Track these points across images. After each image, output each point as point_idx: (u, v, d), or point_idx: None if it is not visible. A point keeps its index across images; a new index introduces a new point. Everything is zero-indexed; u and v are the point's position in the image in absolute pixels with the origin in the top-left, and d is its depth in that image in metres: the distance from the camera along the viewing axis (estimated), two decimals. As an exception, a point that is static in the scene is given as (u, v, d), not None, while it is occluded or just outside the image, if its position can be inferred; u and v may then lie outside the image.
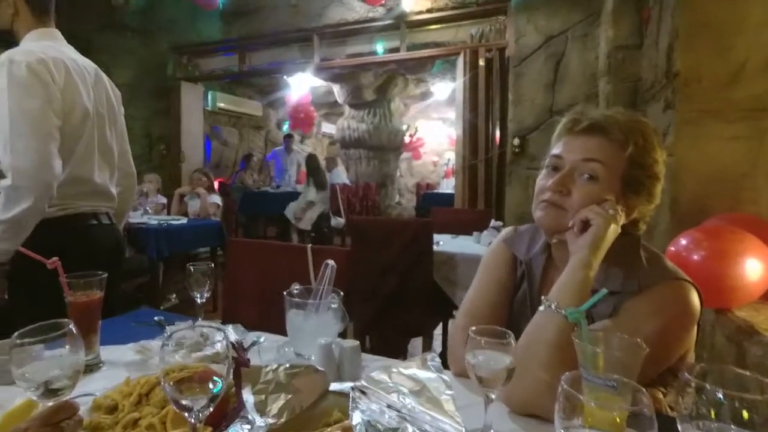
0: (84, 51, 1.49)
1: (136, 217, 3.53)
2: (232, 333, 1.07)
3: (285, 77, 6.79)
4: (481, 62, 3.95)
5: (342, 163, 7.99)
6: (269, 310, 1.29)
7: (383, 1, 4.05)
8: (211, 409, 0.57)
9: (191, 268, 1.13)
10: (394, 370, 0.66)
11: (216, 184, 4.66)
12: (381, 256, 2.11)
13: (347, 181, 7.41)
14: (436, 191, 8.42)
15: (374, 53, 4.74)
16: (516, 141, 3.72)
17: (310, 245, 1.31)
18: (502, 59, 3.91)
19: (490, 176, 3.96)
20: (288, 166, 7.35)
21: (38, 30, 1.37)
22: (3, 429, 0.65)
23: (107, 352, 0.97)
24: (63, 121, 1.29)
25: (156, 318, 1.22)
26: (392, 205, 8.63)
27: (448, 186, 8.34)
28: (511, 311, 0.91)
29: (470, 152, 4.00)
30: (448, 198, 5.81)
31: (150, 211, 3.89)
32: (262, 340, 1.09)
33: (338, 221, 5.99)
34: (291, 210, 5.91)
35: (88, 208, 1.41)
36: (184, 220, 3.68)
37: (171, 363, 0.58)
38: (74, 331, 0.64)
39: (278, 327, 1.09)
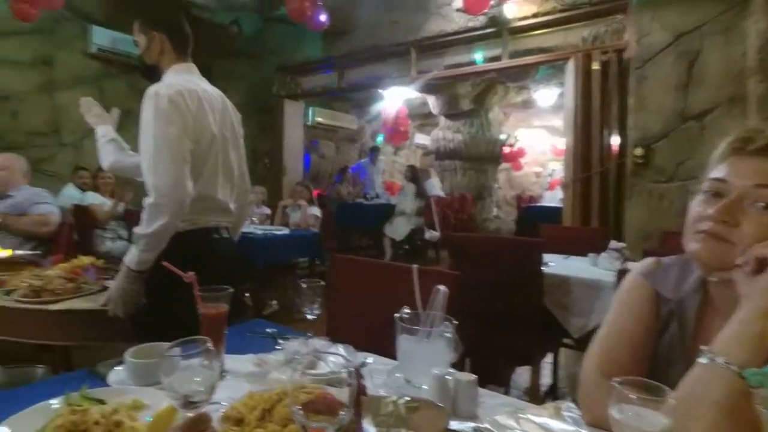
0: (205, 77, 1.68)
1: (243, 227, 3.86)
2: (344, 353, 1.11)
3: (380, 90, 7.02)
4: (595, 66, 3.69)
5: (436, 175, 7.99)
6: (374, 329, 1.30)
7: (486, 9, 4.00)
8: (336, 438, 0.59)
9: (303, 285, 1.17)
10: (522, 416, 0.62)
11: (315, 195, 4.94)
12: (484, 275, 2.04)
13: (442, 193, 7.37)
14: (538, 204, 7.99)
15: (473, 63, 4.69)
16: (639, 151, 3.38)
17: (416, 266, 1.30)
18: (620, 61, 3.62)
19: (606, 190, 3.65)
20: (374, 176, 7.54)
21: (178, 65, 1.58)
22: (155, 428, 0.73)
23: (229, 361, 1.05)
24: (194, 144, 1.47)
25: (269, 330, 1.30)
26: (490, 218, 8.38)
27: (552, 199, 7.86)
28: (656, 356, 0.81)
29: (582, 163, 3.74)
30: (552, 212, 5.48)
31: (256, 221, 4.24)
32: (370, 361, 1.11)
33: (433, 234, 5.97)
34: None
35: (212, 223, 1.56)
36: (286, 231, 3.94)
37: (289, 380, 0.61)
38: (211, 348, 0.70)
39: (384, 348, 1.10)
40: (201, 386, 0.68)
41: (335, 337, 1.29)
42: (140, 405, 0.81)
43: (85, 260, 1.99)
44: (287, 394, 0.81)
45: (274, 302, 3.98)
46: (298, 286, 1.20)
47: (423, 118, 9.85)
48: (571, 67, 3.83)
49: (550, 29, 4.18)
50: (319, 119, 7.60)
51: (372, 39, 4.94)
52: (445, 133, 8.15)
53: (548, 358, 2.40)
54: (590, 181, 3.71)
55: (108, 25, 5.13)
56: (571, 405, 0.63)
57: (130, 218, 3.86)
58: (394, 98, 7.69)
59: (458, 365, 0.94)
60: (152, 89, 1.44)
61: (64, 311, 1.56)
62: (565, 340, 2.31)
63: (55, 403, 0.80)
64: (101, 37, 5.09)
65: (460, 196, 7.45)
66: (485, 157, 8.09)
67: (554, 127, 9.94)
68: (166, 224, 1.37)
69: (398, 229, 6.05)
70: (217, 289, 1.02)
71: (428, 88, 7.22)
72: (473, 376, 0.84)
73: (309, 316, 1.18)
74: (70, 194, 3.95)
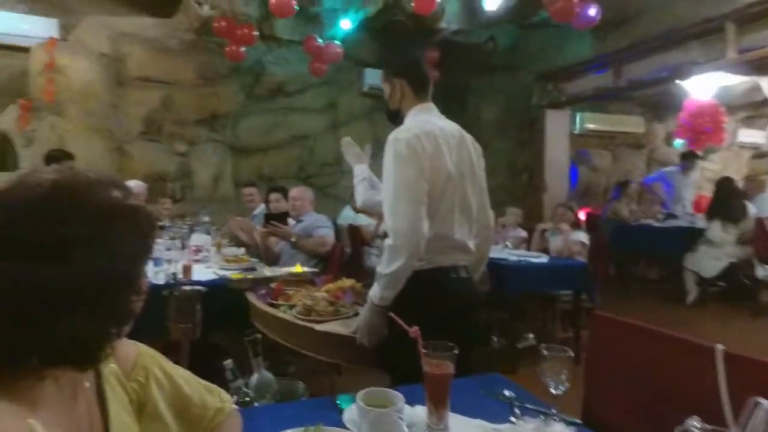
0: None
1: (495, 252, 3.80)
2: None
3: (678, 82, 5.92)
4: None
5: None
6: (645, 423, 1.03)
7: None
8: None
9: (545, 352, 1.06)
10: None
11: (582, 216, 4.52)
12: None
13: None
14: None
15: None
16: None
17: (720, 347, 0.95)
18: None
19: None
20: (683, 191, 6.26)
21: (417, 106, 1.73)
22: None
23: (454, 423, 1.02)
24: (430, 185, 1.57)
25: (506, 392, 1.20)
26: None
27: None
28: None
29: None
30: None
31: (510, 245, 4.13)
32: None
33: (769, 272, 4.61)
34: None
35: (448, 262, 1.64)
36: (544, 258, 3.74)
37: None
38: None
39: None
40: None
41: (589, 421, 1.11)
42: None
43: (347, 283, 2.29)
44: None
45: (531, 336, 3.81)
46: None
47: (751, 109, 7.85)
48: None
49: None
50: (590, 125, 7.04)
51: (661, 23, 4.37)
52: (793, 126, 6.21)
53: None
54: None
55: (377, 66, 6.27)
56: None
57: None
58: (701, 88, 6.31)
59: None
60: (392, 135, 1.62)
61: (325, 332, 1.87)
62: None
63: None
64: (372, 76, 6.29)
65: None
66: None
67: None
68: (403, 265, 1.51)
69: (704, 261, 4.93)
70: (442, 348, 1.02)
71: (759, 68, 5.65)
72: None
73: (553, 391, 1.05)
74: (347, 215, 4.93)
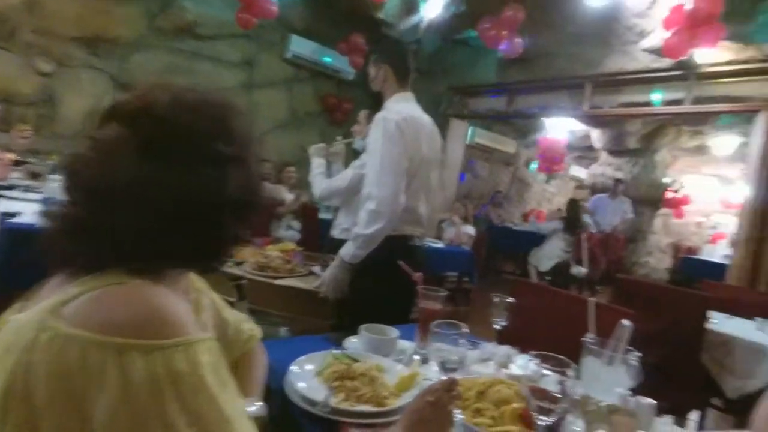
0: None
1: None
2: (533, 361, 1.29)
3: (543, 119, 6.96)
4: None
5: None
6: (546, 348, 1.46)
7: (684, 56, 3.72)
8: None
9: (496, 299, 1.36)
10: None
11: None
12: (646, 321, 2.05)
13: (594, 230, 6.97)
14: (698, 257, 7.09)
15: (649, 103, 4.45)
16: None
17: (594, 300, 1.39)
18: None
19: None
20: (610, 217, 6.61)
21: (400, 94, 1.81)
22: (400, 386, 1.01)
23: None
24: (409, 163, 1.67)
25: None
26: (639, 263, 7.74)
27: (711, 254, 6.89)
28: None
29: (761, 222, 3.40)
30: (714, 268, 5.05)
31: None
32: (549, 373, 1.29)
33: (579, 270, 5.73)
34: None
35: (409, 232, 1.78)
36: (440, 244, 4.15)
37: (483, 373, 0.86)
38: (466, 331, 1.00)
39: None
40: (455, 356, 0.97)
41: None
42: (381, 368, 1.06)
43: (290, 246, 2.26)
44: (496, 383, 1.02)
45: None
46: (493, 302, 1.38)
47: (583, 151, 9.41)
48: (762, 120, 3.50)
49: (742, 78, 3.83)
50: (478, 140, 7.57)
51: (548, 70, 5.00)
52: (605, 169, 7.76)
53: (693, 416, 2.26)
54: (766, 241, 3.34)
55: (305, 35, 5.59)
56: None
57: (305, 212, 4.35)
58: (557, 128, 7.53)
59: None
60: (380, 115, 1.70)
61: (284, 287, 1.84)
62: (714, 401, 2.16)
63: (326, 354, 1.09)
64: (298, 45, 5.54)
65: (611, 237, 6.98)
66: (644, 199, 7.52)
67: (727, 177, 8.81)
68: (381, 228, 1.61)
69: (542, 260, 5.95)
70: (434, 290, 1.27)
71: (595, 122, 6.97)
72: (653, 402, 0.96)
73: (496, 327, 1.36)
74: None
